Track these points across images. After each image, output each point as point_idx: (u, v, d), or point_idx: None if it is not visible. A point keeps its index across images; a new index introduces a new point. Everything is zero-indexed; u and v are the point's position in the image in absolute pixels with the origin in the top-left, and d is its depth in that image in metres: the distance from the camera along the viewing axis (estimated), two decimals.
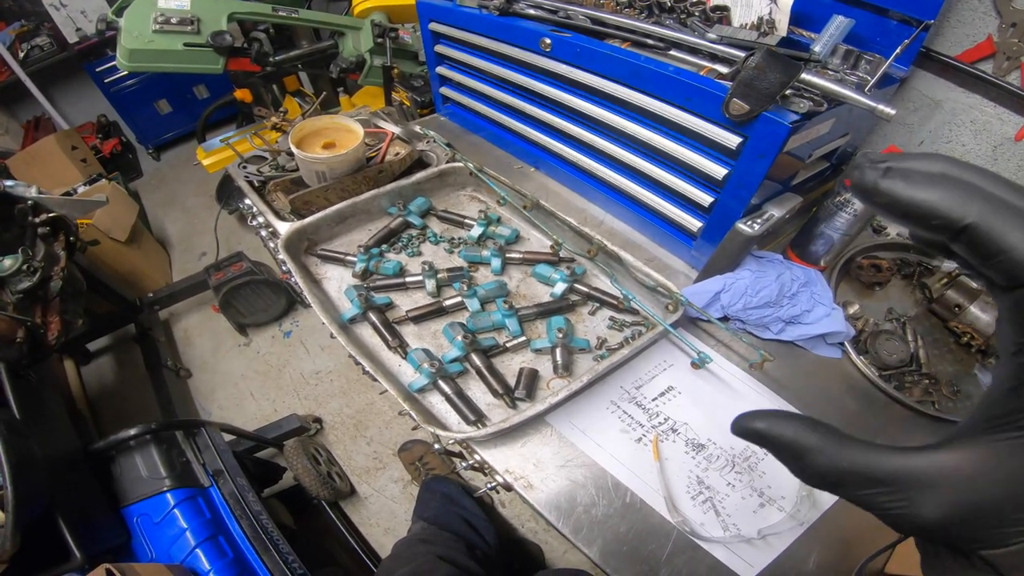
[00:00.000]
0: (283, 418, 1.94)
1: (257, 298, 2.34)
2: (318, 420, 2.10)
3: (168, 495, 1.17)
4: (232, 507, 1.23)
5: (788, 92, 0.77)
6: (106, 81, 3.32)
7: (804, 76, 0.77)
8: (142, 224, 2.72)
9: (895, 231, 1.15)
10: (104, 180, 2.66)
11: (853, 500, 0.27)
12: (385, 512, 1.85)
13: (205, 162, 2.52)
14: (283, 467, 1.73)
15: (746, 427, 0.31)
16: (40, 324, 1.37)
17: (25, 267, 1.34)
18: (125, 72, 3.24)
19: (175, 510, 1.16)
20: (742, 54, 0.83)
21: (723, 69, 0.86)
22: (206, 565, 1.10)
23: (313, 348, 2.38)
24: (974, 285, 0.94)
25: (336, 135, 1.20)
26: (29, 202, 1.50)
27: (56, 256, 1.52)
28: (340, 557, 1.64)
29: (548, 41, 1.02)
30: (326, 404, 2.19)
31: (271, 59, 1.92)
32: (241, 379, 2.34)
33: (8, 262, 1.33)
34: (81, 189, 2.57)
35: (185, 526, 1.14)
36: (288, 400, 2.23)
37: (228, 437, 1.51)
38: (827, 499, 0.75)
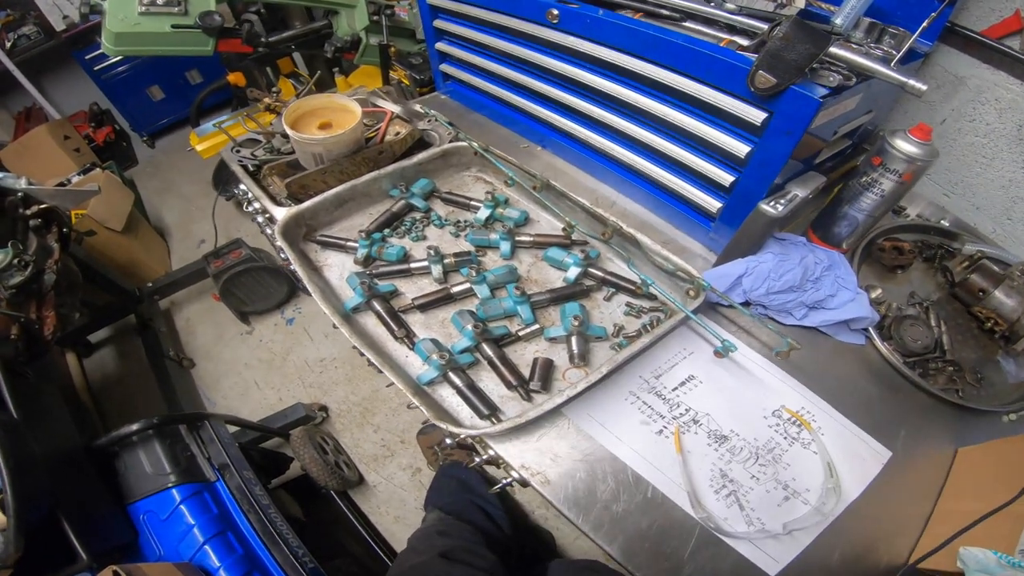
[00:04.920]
0: (288, 407, 1.92)
1: (258, 285, 2.31)
2: (324, 408, 2.08)
3: (173, 491, 1.15)
4: (239, 501, 1.21)
5: (815, 65, 0.72)
6: (96, 68, 3.24)
7: (831, 49, 0.72)
8: (139, 213, 2.68)
9: (915, 212, 1.10)
10: (98, 169, 2.61)
11: None
12: (395, 500, 1.84)
13: (199, 147, 2.47)
14: (290, 457, 1.71)
15: None
16: (35, 319, 1.33)
17: (16, 261, 1.30)
18: (113, 58, 3.17)
19: (181, 506, 1.13)
20: (763, 25, 0.78)
21: (743, 41, 0.81)
22: (215, 562, 1.08)
23: (316, 335, 2.35)
24: (997, 269, 0.90)
25: (333, 115, 1.15)
26: (19, 194, 1.45)
27: (49, 248, 1.47)
28: (351, 547, 1.63)
29: (555, 12, 0.96)
30: (331, 392, 2.17)
31: (263, 40, 1.85)
32: (245, 368, 2.31)
33: None
34: (75, 179, 2.51)
35: (192, 523, 1.12)
36: (293, 388, 2.21)
37: (233, 428, 1.49)
38: (852, 492, 0.73)
